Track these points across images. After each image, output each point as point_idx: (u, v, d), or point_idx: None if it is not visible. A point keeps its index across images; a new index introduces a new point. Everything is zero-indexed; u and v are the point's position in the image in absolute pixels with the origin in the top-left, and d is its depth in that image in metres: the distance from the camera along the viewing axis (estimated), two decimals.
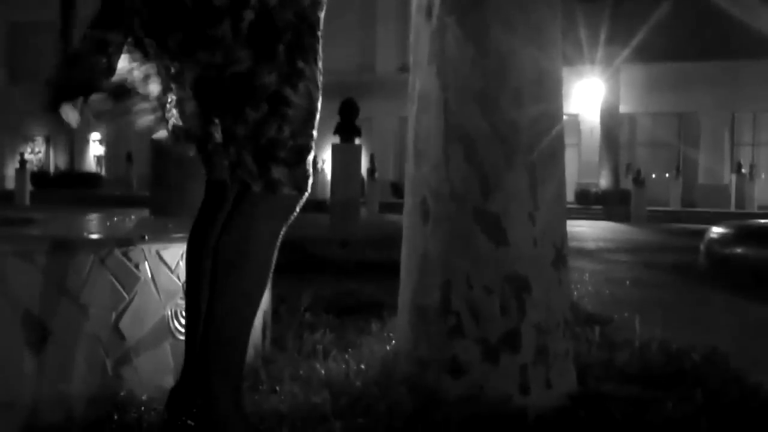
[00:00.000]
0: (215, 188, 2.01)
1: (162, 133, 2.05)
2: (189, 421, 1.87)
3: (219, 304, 1.88)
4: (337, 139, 9.96)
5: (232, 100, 1.86)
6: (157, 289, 2.29)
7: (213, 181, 2.02)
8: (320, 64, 1.96)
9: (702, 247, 7.03)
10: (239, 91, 1.85)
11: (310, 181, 1.94)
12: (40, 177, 28.58)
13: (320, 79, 1.96)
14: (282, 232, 1.95)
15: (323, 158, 24.73)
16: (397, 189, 24.49)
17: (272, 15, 1.87)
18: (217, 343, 1.88)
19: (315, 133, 1.95)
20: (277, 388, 2.33)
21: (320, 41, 1.97)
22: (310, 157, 1.94)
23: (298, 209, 1.97)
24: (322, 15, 1.98)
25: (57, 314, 2.12)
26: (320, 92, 1.96)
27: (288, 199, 1.91)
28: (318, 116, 1.96)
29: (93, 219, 3.15)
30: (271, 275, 2.00)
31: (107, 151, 34.20)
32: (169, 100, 1.99)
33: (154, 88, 2.01)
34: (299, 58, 1.88)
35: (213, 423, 1.86)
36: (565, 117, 2.52)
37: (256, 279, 1.90)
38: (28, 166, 24.41)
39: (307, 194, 1.96)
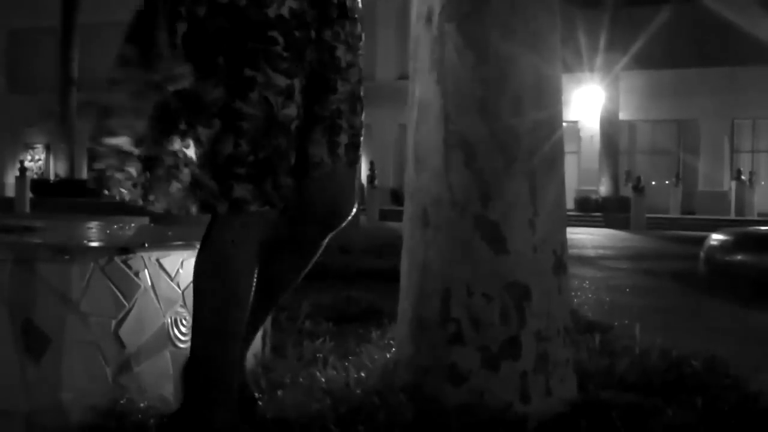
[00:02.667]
0: None
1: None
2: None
3: (198, 317, 1.87)
4: None
5: (180, 120, 1.77)
6: (157, 297, 2.28)
7: None
8: (284, 64, 1.79)
9: (702, 254, 7.03)
10: (187, 109, 1.76)
11: (287, 192, 1.82)
12: (41, 184, 28.58)
13: (282, 81, 1.79)
14: (257, 241, 1.87)
15: None
16: (397, 196, 24.48)
17: (204, 25, 1.76)
18: (199, 357, 1.88)
19: (285, 141, 1.80)
20: (277, 395, 2.33)
21: (282, 41, 1.79)
22: (288, 166, 1.82)
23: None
24: (279, 11, 1.79)
25: (57, 322, 2.12)
26: (292, 95, 1.80)
27: (259, 215, 1.81)
28: (289, 122, 1.81)
29: (93, 226, 3.15)
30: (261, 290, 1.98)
31: None
32: None
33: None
34: (246, 66, 1.75)
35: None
36: (564, 124, 2.53)
37: (234, 299, 1.85)
38: (28, 173, 24.44)
39: (281, 205, 1.84)
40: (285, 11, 1.80)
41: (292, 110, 1.81)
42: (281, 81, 1.79)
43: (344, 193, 2.05)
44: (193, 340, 1.90)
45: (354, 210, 2.08)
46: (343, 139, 2.00)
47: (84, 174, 32.66)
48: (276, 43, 1.78)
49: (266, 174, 1.78)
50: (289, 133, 1.82)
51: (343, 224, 2.05)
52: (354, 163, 2.04)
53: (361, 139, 2.08)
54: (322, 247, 2.10)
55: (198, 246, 1.90)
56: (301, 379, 2.47)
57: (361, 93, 2.07)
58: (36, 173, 32.96)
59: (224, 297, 1.85)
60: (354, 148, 2.04)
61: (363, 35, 2.09)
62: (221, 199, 1.77)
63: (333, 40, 1.98)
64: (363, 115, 2.07)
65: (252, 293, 1.90)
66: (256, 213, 1.81)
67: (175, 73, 1.77)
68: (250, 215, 1.81)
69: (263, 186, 1.78)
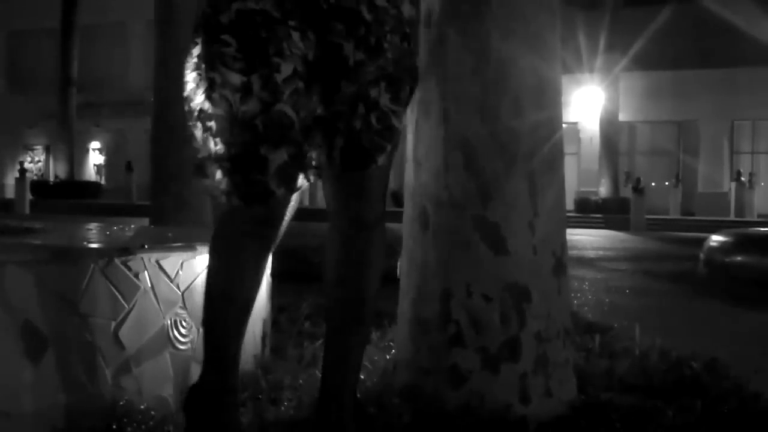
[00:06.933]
0: None
1: None
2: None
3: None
4: None
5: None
6: (156, 298, 2.28)
7: None
8: (238, 64, 1.81)
9: (701, 255, 7.03)
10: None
11: (259, 190, 1.82)
12: (40, 186, 28.57)
13: (237, 79, 1.80)
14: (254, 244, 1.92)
15: None
16: (397, 197, 24.50)
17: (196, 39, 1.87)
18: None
19: (250, 137, 1.80)
20: (277, 397, 2.33)
21: (235, 43, 1.81)
22: (266, 164, 1.81)
23: (265, 222, 1.91)
24: (231, 17, 1.82)
25: (56, 324, 2.12)
26: (251, 91, 1.80)
27: (244, 212, 1.86)
28: (250, 118, 1.80)
29: (93, 228, 3.15)
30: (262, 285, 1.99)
31: (107, 160, 34.23)
32: None
33: None
34: (207, 69, 1.83)
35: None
36: (564, 125, 2.53)
37: (210, 282, 1.93)
38: (27, 175, 24.45)
39: (258, 205, 1.85)
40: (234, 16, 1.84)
41: (251, 106, 1.80)
42: (236, 79, 1.81)
43: (357, 196, 2.04)
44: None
45: (375, 213, 2.05)
46: (338, 142, 1.93)
47: (83, 176, 32.69)
48: (228, 45, 1.82)
49: (236, 169, 1.82)
50: (254, 129, 1.81)
51: (370, 224, 2.05)
52: (352, 168, 1.96)
53: (371, 143, 1.96)
54: (375, 245, 2.08)
55: (198, 247, 1.94)
56: (300, 381, 2.47)
57: (375, 95, 1.93)
58: (36, 175, 32.95)
59: (212, 288, 1.92)
60: (356, 151, 1.95)
61: (392, 36, 1.92)
62: (215, 188, 1.86)
63: (340, 37, 1.88)
64: (376, 117, 1.94)
65: (248, 295, 1.93)
66: (229, 207, 1.86)
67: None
68: (237, 212, 1.86)
69: (234, 179, 1.82)
